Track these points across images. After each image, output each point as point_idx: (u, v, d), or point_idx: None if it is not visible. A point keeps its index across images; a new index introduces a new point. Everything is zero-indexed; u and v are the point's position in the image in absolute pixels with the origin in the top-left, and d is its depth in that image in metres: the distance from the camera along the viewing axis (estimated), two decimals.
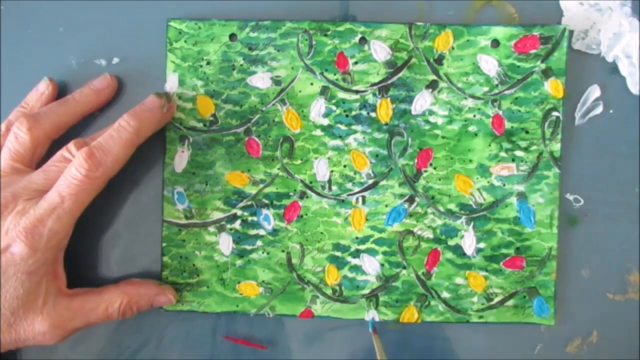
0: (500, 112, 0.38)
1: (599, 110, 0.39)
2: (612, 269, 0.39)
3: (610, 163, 0.39)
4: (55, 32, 0.39)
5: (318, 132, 0.38)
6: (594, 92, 0.39)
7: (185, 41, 0.38)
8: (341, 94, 0.38)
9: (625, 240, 0.39)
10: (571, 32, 0.38)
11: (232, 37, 0.38)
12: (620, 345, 0.39)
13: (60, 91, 0.39)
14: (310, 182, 0.38)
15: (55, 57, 0.39)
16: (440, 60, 0.38)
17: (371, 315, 0.38)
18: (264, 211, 0.38)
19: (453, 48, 0.38)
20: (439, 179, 0.38)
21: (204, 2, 0.39)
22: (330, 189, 0.38)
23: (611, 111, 0.39)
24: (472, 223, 0.38)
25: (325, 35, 0.38)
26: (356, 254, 0.38)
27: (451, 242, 0.38)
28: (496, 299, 0.38)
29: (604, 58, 0.39)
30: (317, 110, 0.38)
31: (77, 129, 0.38)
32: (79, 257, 0.39)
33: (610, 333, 0.39)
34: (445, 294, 0.38)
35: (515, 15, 0.39)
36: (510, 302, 0.38)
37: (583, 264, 0.39)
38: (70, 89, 0.39)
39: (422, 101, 0.38)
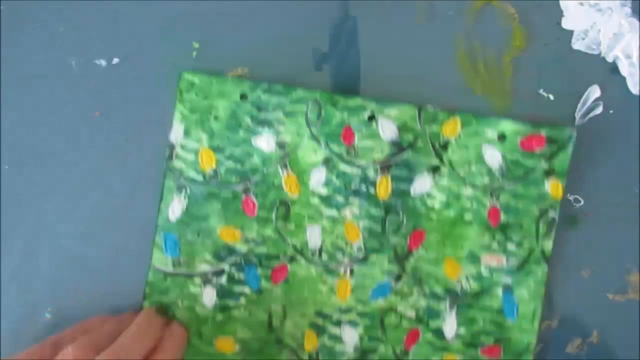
0: (498, 205, 0.38)
1: (599, 110, 0.39)
2: (612, 269, 0.39)
3: (610, 163, 0.39)
4: (55, 32, 0.39)
5: (315, 200, 0.38)
6: (594, 92, 0.39)
7: (196, 94, 0.38)
8: (343, 167, 0.38)
9: (625, 240, 0.39)
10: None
11: (243, 95, 0.38)
12: (620, 345, 0.39)
13: (60, 91, 0.39)
14: (301, 248, 0.39)
15: (55, 57, 0.39)
16: (445, 146, 0.38)
17: None
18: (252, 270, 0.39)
19: (460, 136, 0.38)
20: (429, 261, 0.39)
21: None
22: (320, 256, 0.39)
23: (611, 111, 0.39)
24: (455, 308, 0.39)
25: (335, 107, 0.38)
26: (337, 323, 0.39)
27: (432, 324, 0.39)
28: None
29: (604, 58, 0.39)
30: (318, 179, 0.38)
31: (76, 129, 0.39)
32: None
33: (610, 333, 0.39)
34: None
35: (516, 16, 0.39)
36: None
37: (583, 264, 0.39)
38: (71, 89, 0.39)
39: (422, 184, 0.38)
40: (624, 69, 0.38)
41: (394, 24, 0.39)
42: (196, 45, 0.39)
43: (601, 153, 0.39)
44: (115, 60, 0.39)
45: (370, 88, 0.39)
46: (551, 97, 0.39)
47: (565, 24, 0.39)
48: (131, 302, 0.39)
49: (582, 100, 0.39)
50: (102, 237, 0.39)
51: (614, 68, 0.39)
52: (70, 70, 0.39)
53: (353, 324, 0.39)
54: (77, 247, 0.39)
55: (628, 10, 0.38)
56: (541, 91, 0.39)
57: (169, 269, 0.39)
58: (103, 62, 0.39)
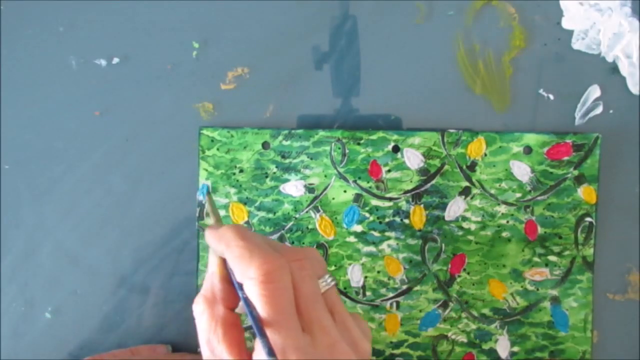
0: (533, 218, 0.38)
1: (599, 110, 0.39)
2: (612, 269, 0.39)
3: (610, 163, 0.39)
4: (55, 32, 0.39)
5: (352, 239, 0.38)
6: (594, 92, 0.39)
7: (218, 149, 0.38)
8: (374, 202, 0.38)
9: (625, 240, 0.39)
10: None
11: (265, 144, 0.38)
12: (620, 345, 0.39)
13: (60, 91, 0.39)
14: (345, 288, 0.38)
15: (55, 57, 0.39)
16: (473, 166, 0.38)
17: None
18: None
19: (486, 155, 0.38)
20: (473, 284, 0.38)
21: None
22: (364, 294, 0.38)
23: (611, 111, 0.39)
24: (506, 327, 0.38)
25: (358, 143, 0.38)
26: (390, 358, 0.38)
27: (485, 346, 0.38)
28: None
29: (604, 58, 0.39)
30: (351, 217, 0.38)
31: (76, 129, 0.39)
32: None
33: (610, 333, 0.39)
34: None
35: (515, 15, 0.39)
36: None
37: None
38: (71, 89, 0.39)
39: (455, 208, 0.38)
40: (624, 69, 0.38)
41: (394, 24, 0.39)
42: (196, 45, 0.39)
43: (601, 153, 0.39)
44: (115, 60, 0.39)
45: (371, 90, 0.39)
46: (551, 97, 0.39)
47: (565, 24, 0.39)
48: None
49: (582, 100, 0.39)
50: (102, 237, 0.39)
51: (614, 68, 0.39)
52: (70, 70, 0.39)
53: (406, 356, 0.38)
54: (77, 247, 0.39)
55: (628, 10, 0.38)
56: (541, 91, 0.39)
57: None
58: (103, 62, 0.39)
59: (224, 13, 0.39)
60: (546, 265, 0.38)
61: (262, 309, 0.26)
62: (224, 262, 0.29)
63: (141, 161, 0.39)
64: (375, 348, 0.38)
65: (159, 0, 0.39)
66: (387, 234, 0.38)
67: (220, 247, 0.28)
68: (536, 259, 0.38)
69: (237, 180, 0.38)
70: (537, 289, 0.38)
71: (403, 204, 0.38)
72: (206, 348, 0.28)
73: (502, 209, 0.38)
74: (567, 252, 0.38)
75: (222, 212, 0.38)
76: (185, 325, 0.39)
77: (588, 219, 0.38)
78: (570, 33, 0.39)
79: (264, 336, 0.25)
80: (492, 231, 0.38)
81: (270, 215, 0.38)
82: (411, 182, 0.38)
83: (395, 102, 0.39)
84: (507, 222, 0.38)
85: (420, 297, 0.38)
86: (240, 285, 0.27)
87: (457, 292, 0.38)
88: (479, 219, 0.38)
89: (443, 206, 0.38)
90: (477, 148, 0.38)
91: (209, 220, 0.35)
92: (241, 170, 0.38)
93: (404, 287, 0.38)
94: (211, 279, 0.29)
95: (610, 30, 0.38)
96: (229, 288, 0.29)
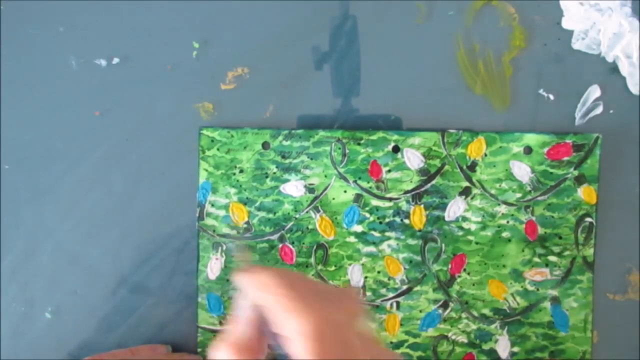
0: (534, 218, 0.38)
1: (599, 110, 0.39)
2: (612, 269, 0.39)
3: (611, 163, 0.39)
4: (55, 32, 0.39)
5: (352, 239, 0.38)
6: (594, 92, 0.39)
7: (218, 149, 0.38)
8: (375, 202, 0.38)
9: (625, 240, 0.39)
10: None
11: (265, 145, 0.38)
12: (620, 345, 0.39)
13: (60, 91, 0.39)
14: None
15: (55, 57, 0.39)
16: (473, 167, 0.38)
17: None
18: None
19: (486, 155, 0.38)
20: (473, 284, 0.38)
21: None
22: (364, 294, 0.38)
23: (611, 111, 0.39)
24: (506, 327, 0.38)
25: (359, 144, 0.38)
26: None
27: (485, 347, 0.38)
28: None
29: (604, 58, 0.39)
30: (351, 217, 0.38)
31: (76, 129, 0.39)
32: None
33: (610, 333, 0.39)
34: None
35: (516, 16, 0.39)
36: None
37: None
38: (71, 89, 0.39)
39: (456, 208, 0.38)
40: (624, 69, 0.38)
41: (394, 24, 0.39)
42: (196, 45, 0.39)
43: (601, 153, 0.38)
44: (115, 60, 0.39)
45: (371, 90, 0.39)
46: (551, 97, 0.39)
47: (565, 24, 0.39)
48: None
49: (582, 100, 0.39)
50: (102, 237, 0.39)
51: (614, 68, 0.39)
52: (70, 70, 0.39)
53: (407, 357, 0.38)
54: (77, 247, 0.39)
55: (628, 10, 0.38)
56: (541, 91, 0.39)
57: (217, 327, 0.38)
58: (103, 62, 0.39)
59: (224, 13, 0.39)
60: (546, 265, 0.38)
61: None
62: (258, 309, 0.27)
63: (141, 161, 0.39)
64: None
65: (159, 0, 0.39)
66: (387, 234, 0.38)
67: (260, 294, 0.26)
68: (536, 259, 0.38)
69: (237, 181, 0.38)
70: (537, 289, 0.38)
71: (403, 204, 0.38)
72: None
73: (502, 209, 0.38)
74: (567, 252, 0.38)
75: (222, 212, 0.38)
76: (185, 325, 0.39)
77: (588, 219, 0.38)
78: (570, 33, 0.39)
79: None
80: (492, 231, 0.38)
81: (271, 216, 0.38)
82: (411, 182, 0.38)
83: (395, 102, 0.39)
84: (507, 222, 0.38)
85: (420, 298, 0.38)
86: (276, 336, 0.26)
87: (457, 293, 0.38)
88: (479, 219, 0.38)
89: (443, 206, 0.38)
90: (477, 148, 0.38)
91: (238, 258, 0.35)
92: (241, 171, 0.38)
93: (404, 287, 0.38)
94: (241, 325, 0.27)
95: (610, 30, 0.38)
96: (259, 337, 0.27)
